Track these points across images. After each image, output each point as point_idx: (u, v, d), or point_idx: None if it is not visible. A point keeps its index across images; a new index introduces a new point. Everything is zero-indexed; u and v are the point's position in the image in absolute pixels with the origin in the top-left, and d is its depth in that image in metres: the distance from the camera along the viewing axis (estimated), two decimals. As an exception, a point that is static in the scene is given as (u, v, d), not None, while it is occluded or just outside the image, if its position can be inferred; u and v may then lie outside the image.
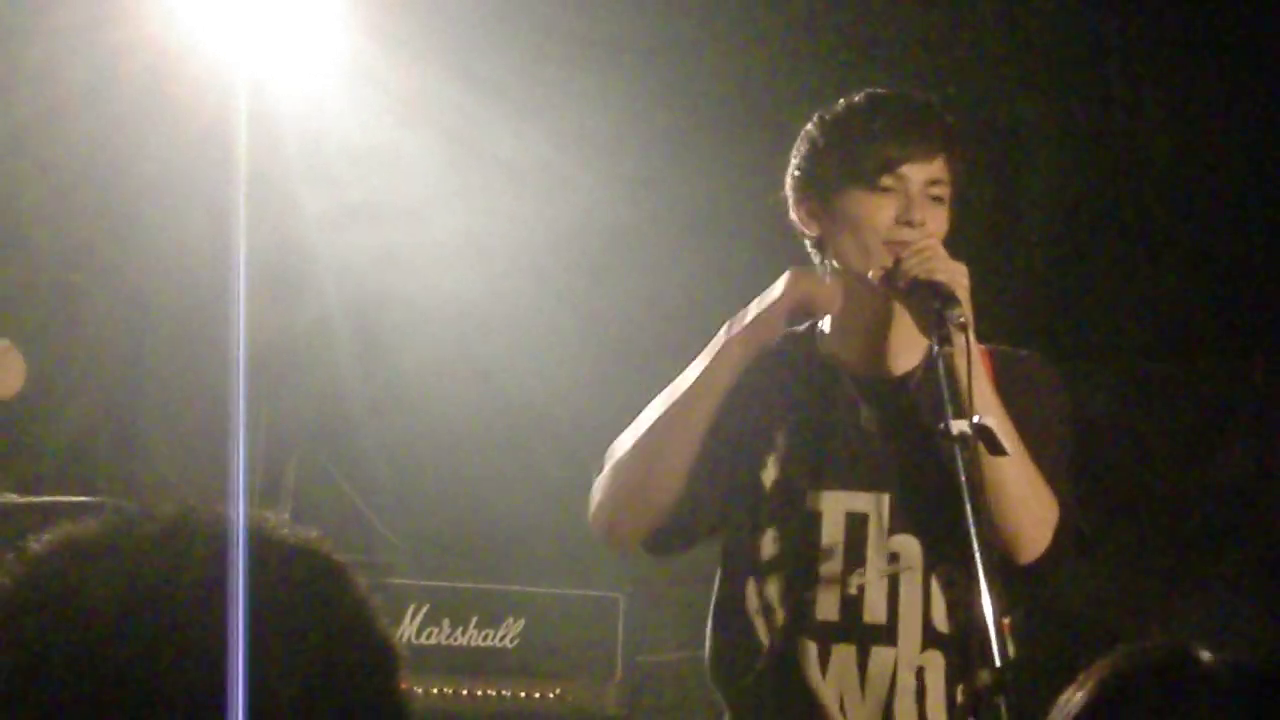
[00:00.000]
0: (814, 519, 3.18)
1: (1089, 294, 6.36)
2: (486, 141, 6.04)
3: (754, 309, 3.24)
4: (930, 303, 3.03)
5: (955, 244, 3.20)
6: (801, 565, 3.18)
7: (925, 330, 3.08)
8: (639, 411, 3.31)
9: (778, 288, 3.22)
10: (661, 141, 6.09)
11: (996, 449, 2.94)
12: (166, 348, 6.17)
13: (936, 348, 2.99)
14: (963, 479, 2.86)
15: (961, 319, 2.96)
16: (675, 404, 3.24)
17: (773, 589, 3.19)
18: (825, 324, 3.31)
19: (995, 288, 6.00)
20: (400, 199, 6.01)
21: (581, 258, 6.16)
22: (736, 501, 3.26)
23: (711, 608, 3.30)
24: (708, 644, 3.29)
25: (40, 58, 5.61)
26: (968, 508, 2.83)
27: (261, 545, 1.32)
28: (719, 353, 3.23)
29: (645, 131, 6.10)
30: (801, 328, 3.34)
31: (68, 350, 6.18)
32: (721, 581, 3.28)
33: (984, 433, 2.93)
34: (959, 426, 2.89)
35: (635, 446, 3.25)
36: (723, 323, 3.32)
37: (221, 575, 1.28)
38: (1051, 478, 3.19)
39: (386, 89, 5.91)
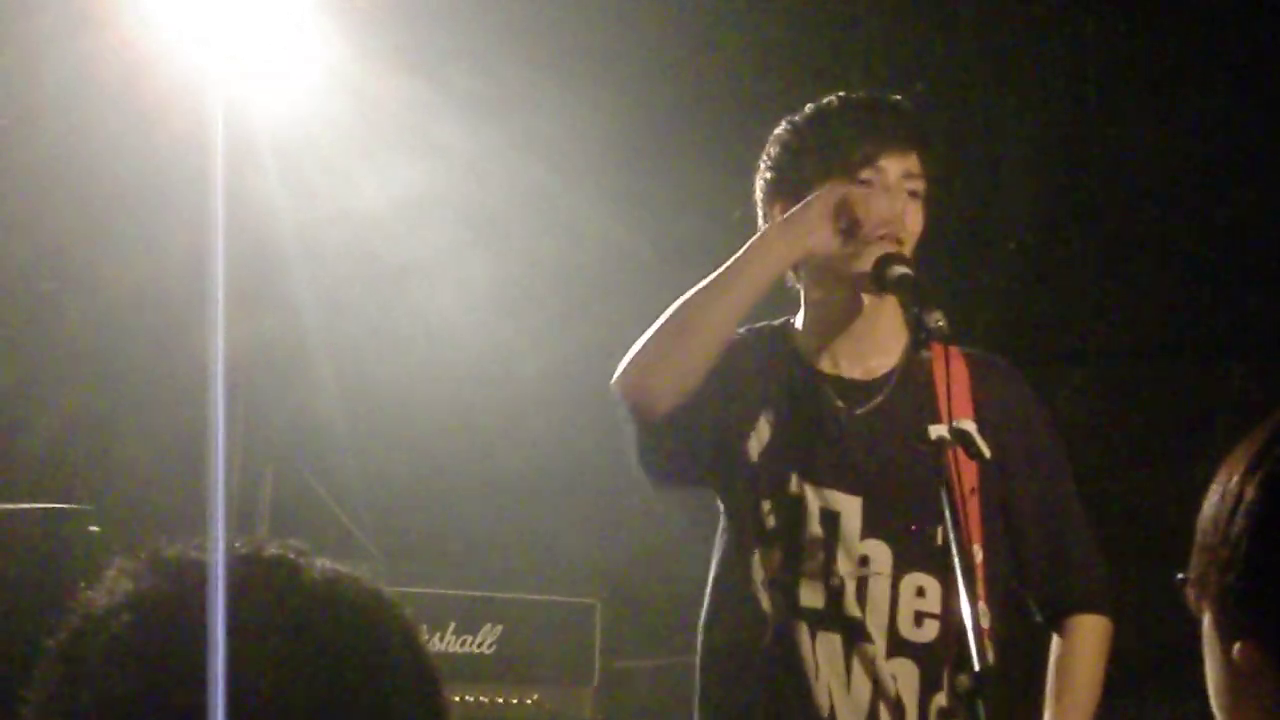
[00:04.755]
0: (800, 504, 3.13)
1: (1065, 297, 6.36)
2: (465, 152, 6.02)
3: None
4: (909, 306, 2.99)
5: (931, 244, 3.18)
6: (792, 545, 3.14)
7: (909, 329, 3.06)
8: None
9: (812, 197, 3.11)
10: (648, 157, 6.07)
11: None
12: (142, 356, 6.15)
13: (915, 352, 2.96)
14: (942, 484, 2.84)
15: (940, 322, 2.89)
16: (713, 282, 3.10)
17: (774, 560, 3.13)
18: (798, 320, 3.27)
19: (971, 289, 6.03)
20: (377, 209, 6.00)
21: (562, 268, 6.15)
22: (731, 462, 3.19)
23: (713, 578, 3.23)
24: (708, 612, 3.21)
25: (14, 63, 5.59)
26: (946, 512, 2.81)
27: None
28: (757, 239, 3.12)
29: (634, 147, 6.08)
30: (776, 323, 3.30)
31: (43, 359, 6.16)
32: (727, 549, 3.21)
33: (963, 437, 2.92)
34: (937, 431, 2.88)
35: (672, 316, 3.10)
36: None
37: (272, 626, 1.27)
38: (1072, 529, 3.24)
39: (364, 98, 5.89)
